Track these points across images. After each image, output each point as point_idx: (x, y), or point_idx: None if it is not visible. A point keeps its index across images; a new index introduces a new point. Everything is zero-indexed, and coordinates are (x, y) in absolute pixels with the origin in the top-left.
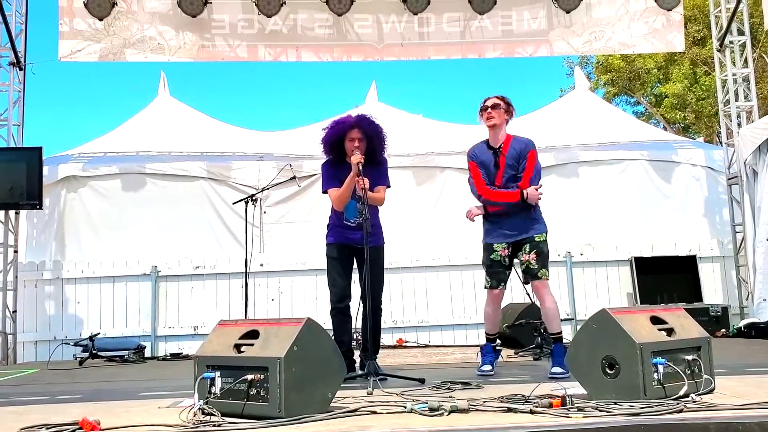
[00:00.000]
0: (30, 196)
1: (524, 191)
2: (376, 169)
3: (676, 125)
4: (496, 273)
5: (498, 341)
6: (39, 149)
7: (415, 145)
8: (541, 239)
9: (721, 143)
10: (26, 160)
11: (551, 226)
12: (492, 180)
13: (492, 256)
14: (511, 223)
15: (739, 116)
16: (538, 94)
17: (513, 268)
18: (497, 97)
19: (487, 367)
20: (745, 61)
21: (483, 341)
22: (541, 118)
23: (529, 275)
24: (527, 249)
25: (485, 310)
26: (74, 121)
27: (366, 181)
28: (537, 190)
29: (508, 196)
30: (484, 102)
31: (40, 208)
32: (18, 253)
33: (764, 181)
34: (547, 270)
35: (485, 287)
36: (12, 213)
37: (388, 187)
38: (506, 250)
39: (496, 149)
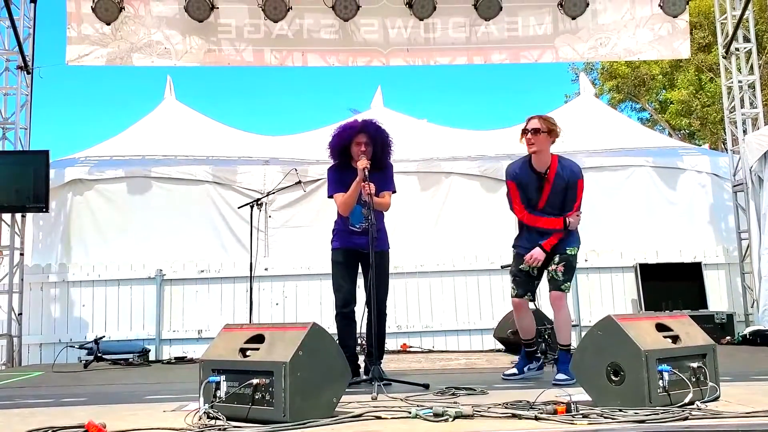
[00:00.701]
0: (36, 199)
1: (567, 219)
2: (382, 174)
3: (681, 132)
4: (523, 283)
5: (535, 347)
6: (46, 152)
7: (420, 150)
8: (572, 253)
9: (726, 150)
10: (33, 163)
11: None
12: (533, 204)
13: (521, 267)
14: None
15: (744, 123)
16: (544, 100)
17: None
18: (539, 120)
19: (512, 371)
20: (751, 68)
21: (487, 347)
22: None
23: (553, 285)
24: (557, 260)
25: (515, 318)
26: (81, 125)
27: (372, 186)
28: (578, 216)
29: (550, 223)
30: (526, 124)
31: (47, 211)
32: (24, 255)
33: None
34: (570, 283)
35: (511, 295)
36: (18, 216)
37: (394, 192)
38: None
39: (541, 174)
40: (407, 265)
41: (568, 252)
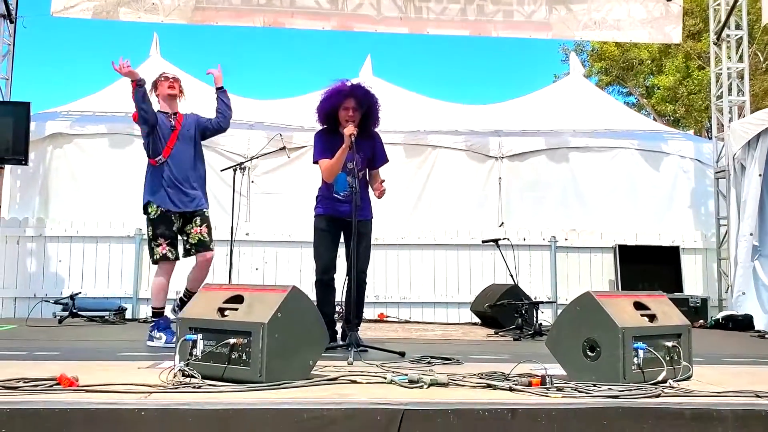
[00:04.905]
0: (16, 151)
1: None
2: (370, 142)
3: (666, 118)
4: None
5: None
6: (27, 104)
7: (407, 122)
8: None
9: (710, 138)
10: (13, 114)
11: (539, 208)
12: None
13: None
14: None
15: (730, 111)
16: (533, 79)
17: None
18: None
19: None
20: (741, 56)
21: (463, 320)
22: (534, 102)
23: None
24: (198, 222)
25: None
26: (64, 79)
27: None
28: None
29: None
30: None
31: (26, 163)
32: (1, 208)
33: (751, 176)
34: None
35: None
36: None
37: (387, 161)
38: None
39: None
40: (389, 236)
41: (206, 213)
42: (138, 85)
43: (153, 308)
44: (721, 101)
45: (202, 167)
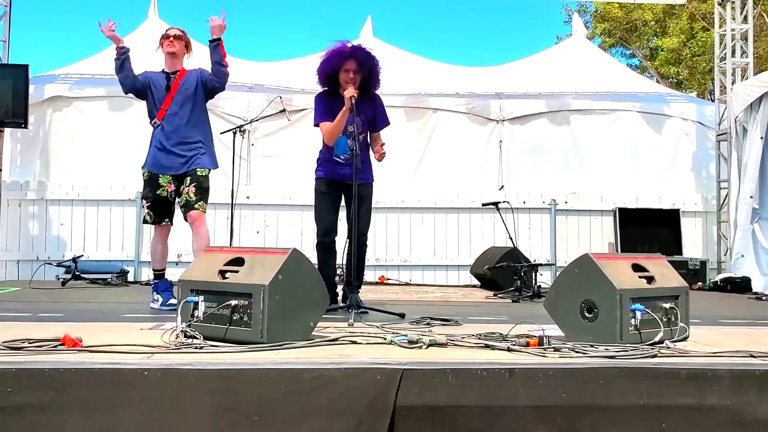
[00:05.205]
0: (15, 114)
1: None
2: (371, 104)
3: (670, 80)
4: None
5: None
6: (25, 66)
7: (408, 85)
8: (203, 174)
9: (713, 100)
10: (12, 77)
11: (540, 171)
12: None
13: (158, 192)
14: None
15: (734, 73)
16: (535, 41)
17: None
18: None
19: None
20: (745, 17)
21: (463, 282)
22: (536, 64)
23: (186, 207)
24: (188, 182)
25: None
26: (61, 41)
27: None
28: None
29: None
30: None
31: (26, 126)
32: (2, 171)
33: (753, 139)
34: (205, 204)
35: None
36: None
37: (388, 124)
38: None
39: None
40: (389, 200)
41: (199, 173)
42: (119, 51)
43: (153, 270)
44: (725, 63)
45: (204, 126)
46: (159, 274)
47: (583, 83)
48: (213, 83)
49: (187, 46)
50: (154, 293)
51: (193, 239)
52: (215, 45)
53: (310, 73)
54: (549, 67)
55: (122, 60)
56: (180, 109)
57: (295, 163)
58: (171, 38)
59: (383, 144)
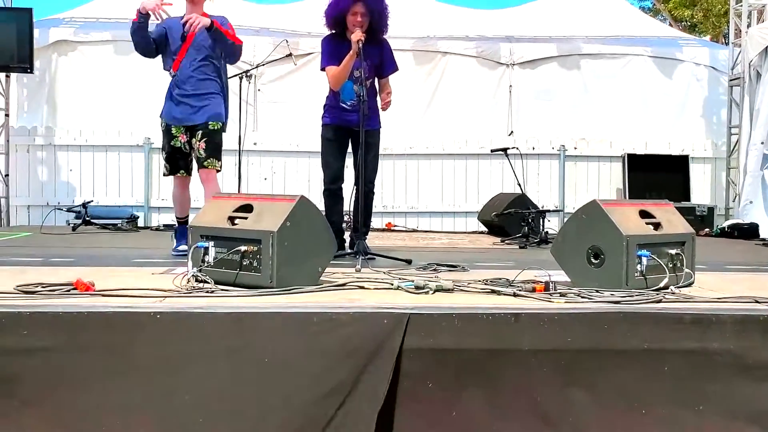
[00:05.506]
0: (21, 59)
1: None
2: (379, 49)
3: (683, 23)
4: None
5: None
6: (29, 10)
7: (416, 27)
8: (215, 128)
9: (727, 44)
10: (16, 21)
11: (549, 117)
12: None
13: (172, 143)
14: None
15: (749, 16)
16: None
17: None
18: None
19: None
20: None
21: (470, 229)
22: (547, 7)
23: (198, 164)
24: (198, 136)
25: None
26: None
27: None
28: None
29: None
30: None
31: (32, 71)
32: (9, 117)
33: (767, 84)
34: (217, 161)
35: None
36: (2, 76)
37: (396, 70)
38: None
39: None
40: (396, 146)
41: (210, 127)
42: (140, 13)
43: (175, 217)
44: (740, 5)
45: (219, 78)
46: (181, 221)
47: (594, 27)
48: (228, 59)
49: None
50: (172, 238)
51: (204, 195)
52: (212, 36)
53: (316, 16)
54: (560, 11)
55: (139, 23)
56: (194, 60)
57: (302, 108)
58: None
59: (389, 92)
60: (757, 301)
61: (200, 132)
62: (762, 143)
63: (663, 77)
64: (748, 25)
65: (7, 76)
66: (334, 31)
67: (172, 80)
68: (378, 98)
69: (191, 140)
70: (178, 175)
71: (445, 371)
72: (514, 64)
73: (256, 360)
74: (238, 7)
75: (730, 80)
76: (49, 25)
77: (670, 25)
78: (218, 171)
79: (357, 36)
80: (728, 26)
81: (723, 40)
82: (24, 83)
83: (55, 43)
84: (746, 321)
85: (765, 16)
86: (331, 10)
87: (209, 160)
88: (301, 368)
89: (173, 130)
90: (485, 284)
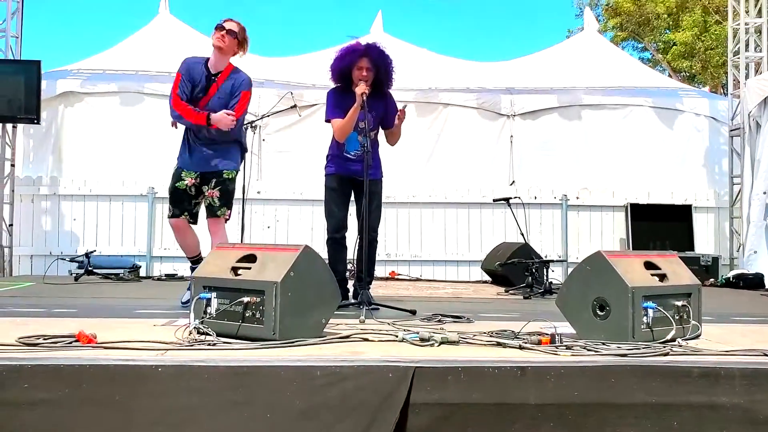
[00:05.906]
0: (28, 110)
1: (211, 115)
2: (383, 102)
3: (682, 74)
4: (179, 202)
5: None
6: (38, 62)
7: (418, 79)
8: (230, 176)
9: (726, 94)
10: (24, 72)
11: (551, 167)
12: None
13: (177, 185)
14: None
15: (747, 67)
16: (546, 35)
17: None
18: (236, 24)
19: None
20: (759, 11)
21: (474, 278)
22: (547, 59)
23: (209, 212)
24: (213, 184)
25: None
26: (73, 37)
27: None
28: (232, 119)
29: (196, 117)
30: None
31: (38, 122)
32: (15, 167)
33: (766, 134)
34: (228, 210)
35: (168, 216)
36: (9, 127)
37: None
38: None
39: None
40: (400, 195)
41: (225, 175)
42: (208, 122)
43: (188, 259)
44: (738, 57)
45: (235, 128)
46: (194, 260)
47: (595, 78)
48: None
49: (241, 45)
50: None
51: (211, 244)
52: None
53: (320, 68)
54: (560, 62)
55: (191, 122)
56: (214, 111)
57: (305, 158)
58: (224, 32)
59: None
60: (766, 354)
61: (214, 180)
62: (764, 193)
63: (664, 127)
64: (747, 77)
65: (14, 127)
66: (339, 84)
67: (190, 127)
68: (379, 150)
69: (202, 186)
70: (182, 217)
71: (452, 426)
72: (515, 115)
73: (259, 415)
74: (243, 58)
75: (731, 130)
76: (57, 77)
77: (670, 75)
78: (227, 220)
79: (361, 89)
80: (727, 77)
81: (722, 91)
82: (30, 133)
83: (62, 95)
84: (755, 375)
85: (763, 68)
86: (336, 64)
87: (222, 209)
88: (305, 423)
89: (183, 173)
90: (491, 336)
